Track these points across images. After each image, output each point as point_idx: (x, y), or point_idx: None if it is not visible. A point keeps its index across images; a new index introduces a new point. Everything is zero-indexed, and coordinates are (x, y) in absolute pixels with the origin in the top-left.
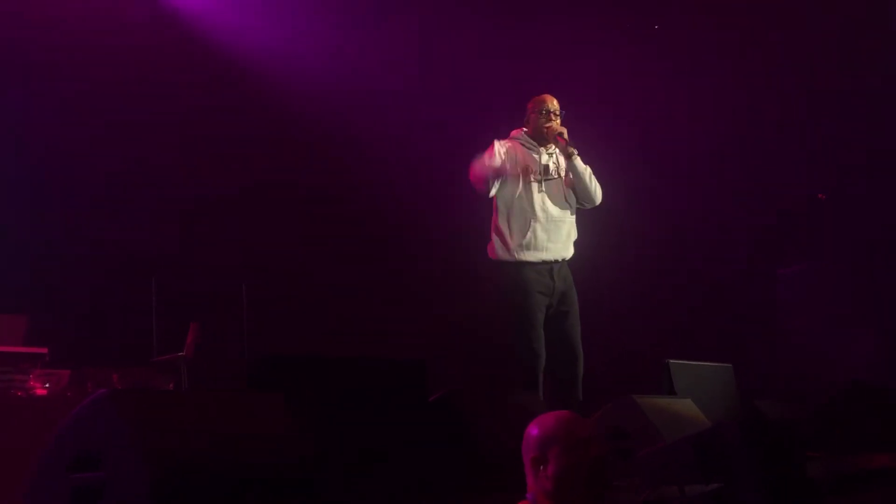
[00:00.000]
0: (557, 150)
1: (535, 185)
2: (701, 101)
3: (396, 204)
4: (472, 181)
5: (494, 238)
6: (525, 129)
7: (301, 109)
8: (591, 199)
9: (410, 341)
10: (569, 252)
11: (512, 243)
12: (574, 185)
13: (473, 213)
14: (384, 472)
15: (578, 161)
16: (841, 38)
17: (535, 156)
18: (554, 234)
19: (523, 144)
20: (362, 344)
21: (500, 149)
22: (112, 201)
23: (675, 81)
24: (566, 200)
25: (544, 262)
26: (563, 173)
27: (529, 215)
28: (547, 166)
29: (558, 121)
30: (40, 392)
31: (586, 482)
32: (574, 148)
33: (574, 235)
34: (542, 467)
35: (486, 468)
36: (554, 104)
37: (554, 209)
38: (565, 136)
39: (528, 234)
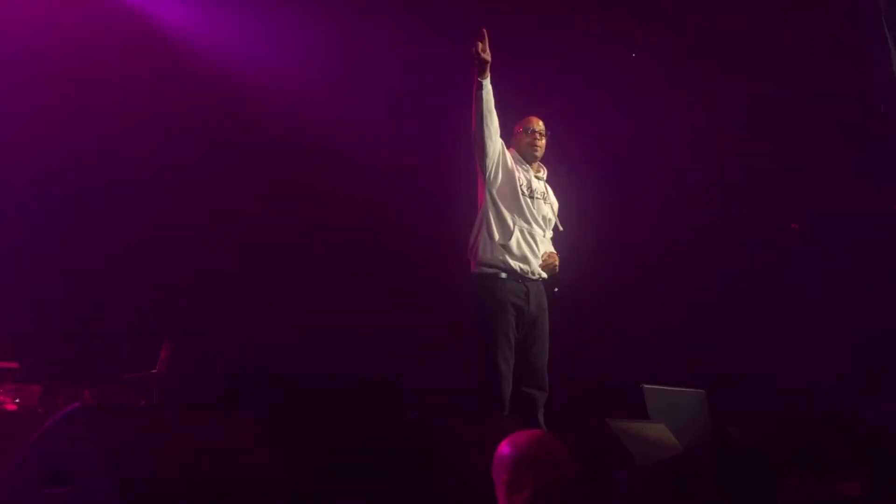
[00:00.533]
0: (540, 175)
1: (523, 197)
2: (675, 127)
3: (372, 216)
4: (473, 129)
5: (482, 232)
6: (511, 149)
7: (271, 117)
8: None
9: (386, 356)
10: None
11: (494, 244)
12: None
13: (452, 221)
14: (356, 491)
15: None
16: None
17: (525, 171)
18: (533, 247)
19: (515, 159)
20: (336, 359)
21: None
22: (83, 216)
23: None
24: (546, 221)
25: (522, 276)
26: (544, 198)
27: (515, 219)
28: (532, 185)
29: (543, 141)
30: (10, 407)
31: (565, 500)
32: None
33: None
34: (515, 489)
35: (457, 489)
36: (539, 125)
37: (535, 224)
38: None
39: (512, 238)
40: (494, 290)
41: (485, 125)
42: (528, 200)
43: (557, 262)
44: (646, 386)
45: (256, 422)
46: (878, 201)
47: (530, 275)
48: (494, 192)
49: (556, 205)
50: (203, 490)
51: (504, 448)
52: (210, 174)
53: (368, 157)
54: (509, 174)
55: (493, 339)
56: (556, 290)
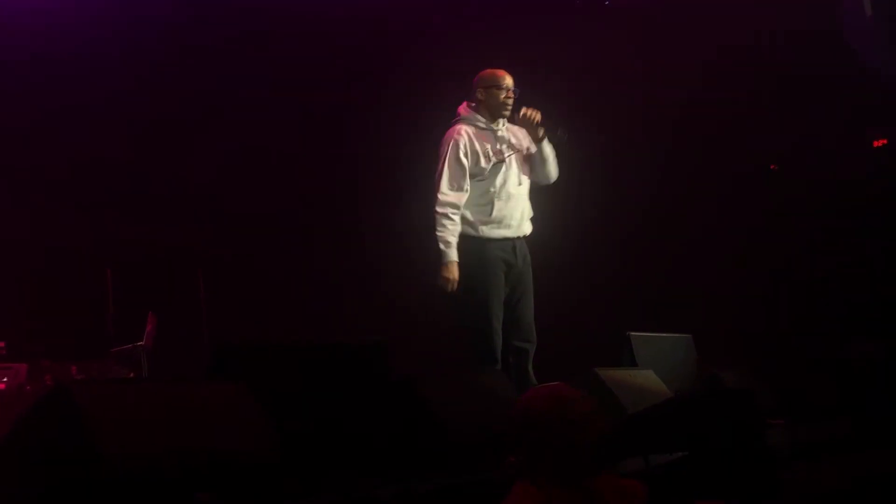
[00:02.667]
0: (505, 127)
1: (492, 167)
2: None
3: (353, 183)
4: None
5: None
6: (473, 104)
7: (258, 88)
8: (548, 178)
9: (372, 323)
10: (527, 228)
11: (474, 220)
12: (535, 164)
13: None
14: (349, 456)
15: (546, 145)
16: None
17: (490, 134)
18: (514, 211)
19: (476, 125)
20: (321, 328)
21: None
22: (65, 190)
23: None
24: (522, 176)
25: (506, 239)
26: (518, 148)
27: (490, 194)
28: (502, 146)
29: (524, 110)
30: None
31: (592, 459)
32: (545, 131)
33: (530, 212)
34: (544, 446)
35: (453, 449)
36: (510, 81)
37: (512, 186)
38: (538, 120)
39: (492, 211)
40: (481, 250)
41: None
42: (497, 167)
43: (538, 116)
44: (632, 333)
45: (244, 392)
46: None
47: (514, 238)
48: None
49: (524, 141)
50: (195, 461)
51: (529, 405)
52: (195, 139)
53: (356, 128)
54: (473, 159)
55: (485, 295)
56: (563, 135)
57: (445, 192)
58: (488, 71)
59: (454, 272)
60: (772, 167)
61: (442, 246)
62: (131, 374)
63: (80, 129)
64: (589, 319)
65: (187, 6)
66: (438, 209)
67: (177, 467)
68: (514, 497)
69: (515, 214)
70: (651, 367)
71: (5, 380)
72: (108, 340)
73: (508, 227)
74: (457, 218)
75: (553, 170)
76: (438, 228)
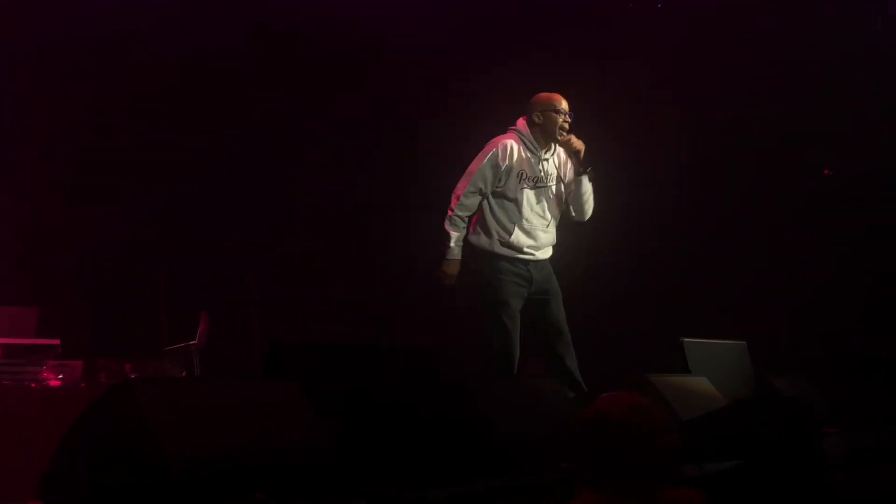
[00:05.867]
0: (554, 156)
1: (525, 191)
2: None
3: (408, 186)
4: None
5: (477, 228)
6: (527, 123)
7: (308, 98)
8: (582, 214)
9: (417, 328)
10: (547, 254)
11: (492, 240)
12: (571, 198)
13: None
14: (401, 457)
15: (585, 180)
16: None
17: (533, 160)
18: (535, 240)
19: (525, 143)
20: (368, 331)
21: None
22: (120, 191)
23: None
24: (553, 208)
25: (521, 260)
26: (555, 181)
27: (515, 217)
28: (541, 175)
29: (570, 135)
30: (54, 383)
31: (664, 469)
32: (589, 167)
33: (554, 241)
34: (618, 454)
35: (505, 452)
36: (566, 105)
37: (538, 217)
38: (583, 153)
39: (511, 236)
40: (495, 263)
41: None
42: (528, 192)
43: (581, 146)
44: (686, 339)
45: (299, 391)
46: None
47: (530, 260)
48: (496, 192)
49: (568, 175)
50: (251, 460)
51: (599, 413)
52: (246, 143)
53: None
54: (506, 173)
55: (498, 307)
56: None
57: (466, 194)
58: (545, 94)
59: (453, 269)
60: (825, 171)
61: (451, 243)
62: (183, 373)
63: (140, 136)
64: (642, 325)
65: None
66: (455, 208)
67: (235, 466)
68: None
69: (538, 243)
70: (704, 374)
71: (61, 377)
72: (162, 339)
73: (525, 252)
74: (467, 219)
75: (588, 208)
76: (449, 225)
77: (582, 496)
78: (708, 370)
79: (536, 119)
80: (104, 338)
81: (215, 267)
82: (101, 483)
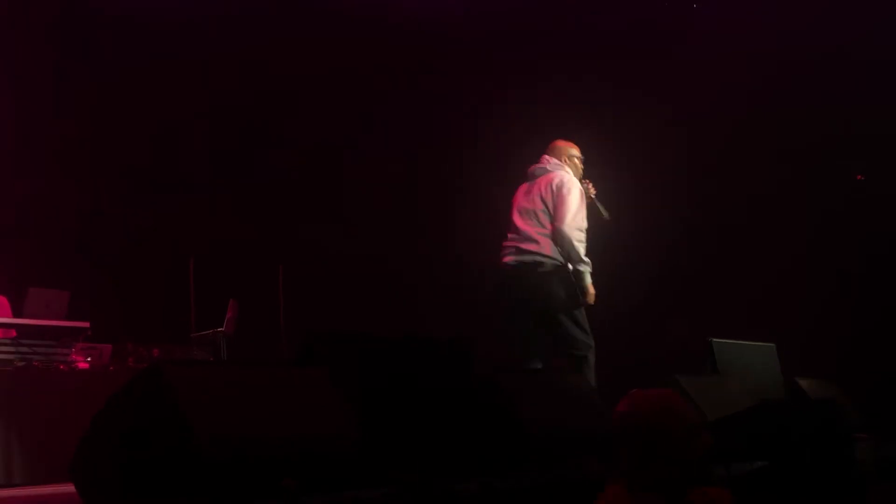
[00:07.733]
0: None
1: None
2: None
3: (433, 185)
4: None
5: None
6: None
7: (341, 93)
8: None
9: (447, 320)
10: None
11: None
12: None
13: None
14: (430, 448)
15: None
16: None
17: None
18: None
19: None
20: (397, 323)
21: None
22: (153, 180)
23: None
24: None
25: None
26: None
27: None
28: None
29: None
30: (83, 366)
31: (697, 470)
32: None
33: None
34: (654, 454)
35: (533, 446)
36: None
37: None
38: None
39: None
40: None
41: None
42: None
43: (593, 190)
44: (715, 340)
45: (329, 379)
46: None
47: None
48: None
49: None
50: (279, 444)
51: (635, 412)
52: (280, 136)
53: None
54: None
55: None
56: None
57: (580, 226)
58: (563, 142)
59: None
60: (858, 177)
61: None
62: (211, 359)
63: (173, 119)
64: (672, 326)
65: None
66: (577, 239)
67: (264, 451)
68: (604, 500)
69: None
70: (733, 375)
71: (90, 359)
72: (190, 325)
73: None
74: None
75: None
76: (581, 254)
77: (612, 491)
78: (737, 371)
79: (567, 163)
80: (133, 322)
81: (245, 255)
82: (131, 464)
